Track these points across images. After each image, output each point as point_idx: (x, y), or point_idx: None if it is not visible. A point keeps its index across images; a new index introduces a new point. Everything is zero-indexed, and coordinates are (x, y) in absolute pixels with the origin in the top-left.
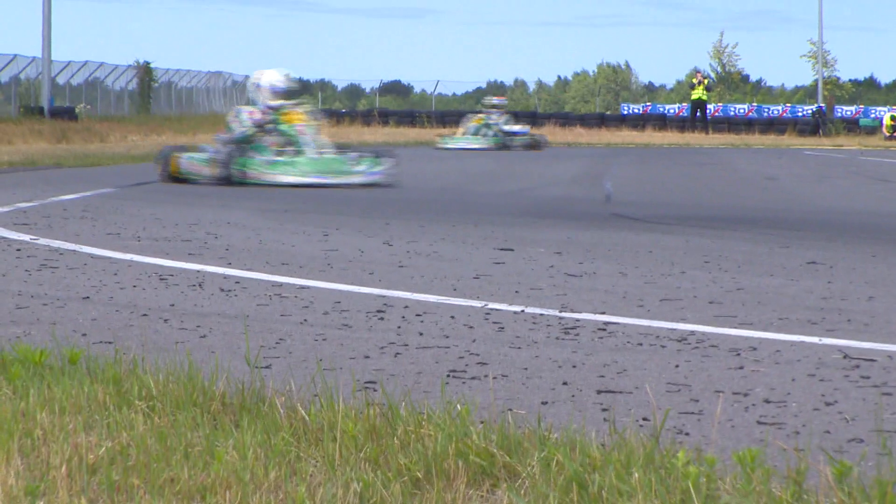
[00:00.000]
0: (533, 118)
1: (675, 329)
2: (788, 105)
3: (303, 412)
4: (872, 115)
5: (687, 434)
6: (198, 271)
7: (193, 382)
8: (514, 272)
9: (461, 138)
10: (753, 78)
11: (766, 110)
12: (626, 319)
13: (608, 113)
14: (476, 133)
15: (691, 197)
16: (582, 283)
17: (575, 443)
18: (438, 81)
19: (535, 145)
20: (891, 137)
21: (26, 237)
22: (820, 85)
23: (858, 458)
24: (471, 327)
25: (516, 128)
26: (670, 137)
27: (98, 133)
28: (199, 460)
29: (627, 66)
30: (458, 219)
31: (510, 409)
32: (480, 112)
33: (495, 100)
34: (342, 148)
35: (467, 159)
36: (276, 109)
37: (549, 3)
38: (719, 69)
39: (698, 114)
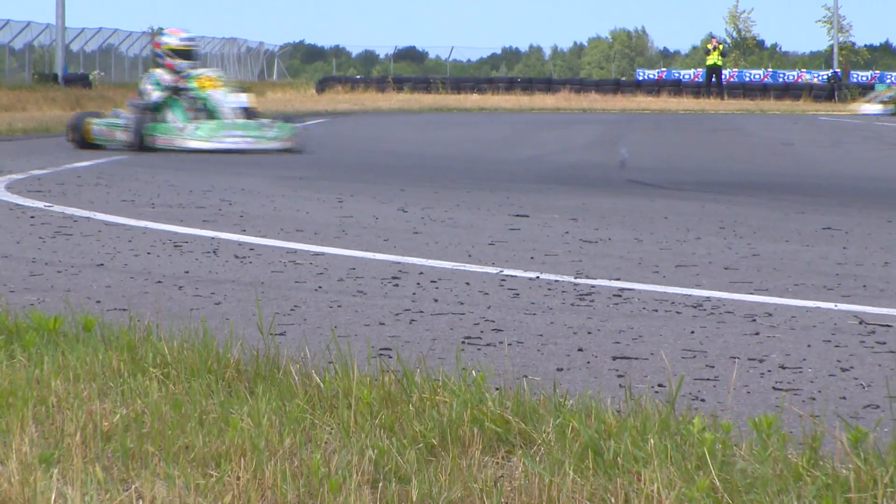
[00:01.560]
0: (548, 84)
1: (690, 295)
2: (804, 71)
3: (317, 379)
4: (888, 81)
5: (702, 400)
6: (212, 238)
7: (208, 349)
8: (530, 238)
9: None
10: (769, 43)
11: (781, 76)
12: (641, 285)
13: (623, 79)
14: (166, 105)
15: (706, 163)
16: (597, 249)
17: (590, 409)
18: (453, 47)
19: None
20: None
21: (41, 204)
22: (835, 50)
23: (874, 425)
24: (486, 294)
25: (236, 98)
26: (685, 103)
27: (112, 100)
28: (213, 427)
29: (643, 31)
30: (474, 185)
31: (525, 376)
32: (163, 60)
33: (171, 36)
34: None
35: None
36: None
37: None
38: (735, 35)
39: (713, 79)
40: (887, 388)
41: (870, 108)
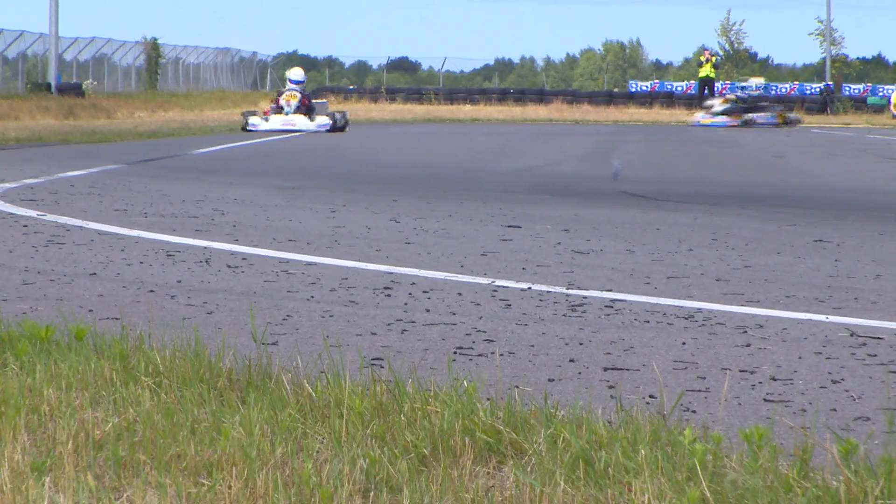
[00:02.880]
0: (541, 95)
1: (681, 306)
2: (796, 83)
3: (309, 389)
4: (880, 94)
5: (693, 411)
6: (205, 248)
7: (200, 359)
8: (522, 249)
9: None
10: (761, 56)
11: (773, 88)
12: (633, 297)
13: (616, 90)
14: None
15: (699, 175)
16: (589, 260)
17: (581, 420)
18: (446, 58)
19: None
20: None
21: (33, 213)
22: (828, 63)
23: (865, 437)
24: (478, 304)
25: None
26: (678, 115)
27: (105, 109)
28: (205, 436)
29: (638, 42)
30: (466, 196)
31: (517, 387)
32: None
33: None
34: None
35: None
36: None
37: None
38: (727, 47)
39: (706, 91)
40: (878, 401)
41: (704, 118)
